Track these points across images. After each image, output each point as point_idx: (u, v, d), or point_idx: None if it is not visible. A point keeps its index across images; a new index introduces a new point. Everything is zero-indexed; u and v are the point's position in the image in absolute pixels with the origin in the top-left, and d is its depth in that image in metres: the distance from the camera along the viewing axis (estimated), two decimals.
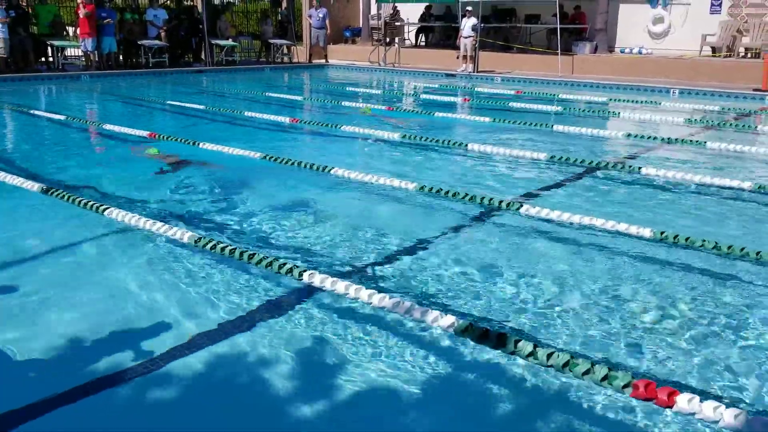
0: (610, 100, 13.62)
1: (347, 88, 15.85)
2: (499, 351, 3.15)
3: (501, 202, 5.58)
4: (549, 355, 3.02)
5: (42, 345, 3.25)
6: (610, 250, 4.70)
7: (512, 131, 9.69)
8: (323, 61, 21.20)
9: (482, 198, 5.66)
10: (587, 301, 3.86)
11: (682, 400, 2.69)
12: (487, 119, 10.52)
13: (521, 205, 5.43)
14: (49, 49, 17.21)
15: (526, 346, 3.09)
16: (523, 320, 3.61)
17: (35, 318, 3.55)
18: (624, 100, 13.58)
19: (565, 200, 6.00)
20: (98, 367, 3.05)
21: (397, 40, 21.00)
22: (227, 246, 4.23)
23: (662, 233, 4.70)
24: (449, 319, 3.32)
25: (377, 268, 4.31)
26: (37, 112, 11.08)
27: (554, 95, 14.27)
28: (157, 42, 17.83)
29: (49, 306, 3.69)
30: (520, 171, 7.29)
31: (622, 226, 4.84)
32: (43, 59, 17.33)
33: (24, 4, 18.42)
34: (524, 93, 14.63)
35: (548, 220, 5.18)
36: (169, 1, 20.63)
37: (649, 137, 9.04)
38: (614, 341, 3.39)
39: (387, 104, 12.98)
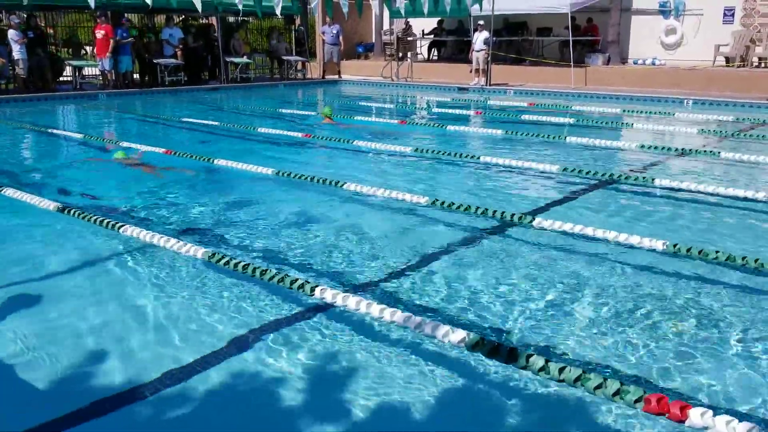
0: (624, 111, 13.59)
1: (360, 103, 15.94)
2: (511, 366, 3.14)
3: (513, 215, 5.58)
4: (561, 370, 3.01)
5: (58, 361, 3.29)
6: (623, 262, 4.68)
7: (525, 143, 9.70)
8: (336, 76, 21.35)
9: (494, 211, 5.67)
10: (599, 315, 3.84)
11: (695, 415, 2.67)
12: (499, 132, 10.53)
13: (534, 218, 5.42)
14: (67, 68, 17.52)
15: (537, 361, 3.08)
16: (535, 334, 3.61)
17: (51, 334, 3.59)
18: (637, 112, 13.54)
19: (577, 213, 5.99)
20: (112, 383, 3.09)
21: (409, 54, 21.12)
22: (240, 262, 4.27)
23: (675, 246, 4.68)
24: (460, 334, 3.32)
25: (388, 282, 4.33)
26: (54, 131, 11.25)
27: (567, 107, 14.26)
28: (172, 60, 18.06)
29: (65, 322, 3.73)
30: (533, 183, 7.29)
31: (635, 239, 4.82)
32: (60, 78, 17.63)
33: (42, 24, 18.78)
34: (537, 105, 14.64)
35: (561, 233, 5.17)
36: (180, 20, 20.91)
37: (662, 148, 9.00)
38: (626, 355, 3.37)
39: (400, 118, 13.04)
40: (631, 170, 7.83)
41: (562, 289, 4.22)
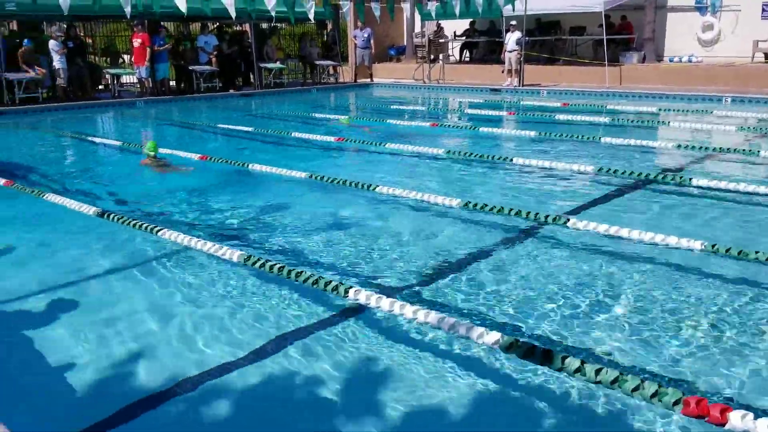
0: (660, 110, 13.36)
1: (392, 106, 15.98)
2: (546, 367, 3.12)
3: (548, 216, 5.53)
4: (597, 371, 2.98)
5: (96, 362, 3.38)
6: (660, 263, 4.61)
7: (559, 144, 9.61)
8: (368, 80, 21.43)
9: (528, 212, 5.63)
10: (636, 316, 3.80)
11: (735, 417, 2.61)
12: (533, 133, 10.45)
13: (568, 219, 5.37)
14: (106, 77, 17.93)
15: (573, 363, 3.05)
16: (571, 336, 3.58)
17: (92, 336, 3.69)
18: (674, 110, 13.32)
19: (613, 213, 5.92)
20: (150, 384, 3.16)
21: (441, 56, 21.09)
22: (275, 264, 4.32)
23: (714, 246, 4.59)
24: (494, 336, 3.30)
25: (422, 284, 4.34)
26: (94, 139, 11.52)
27: (602, 106, 14.08)
28: (207, 67, 18.34)
29: (105, 325, 3.83)
30: (568, 184, 7.22)
31: (672, 239, 4.74)
32: (99, 87, 18.04)
33: (81, 34, 19.24)
34: (571, 105, 14.49)
35: (596, 234, 5.11)
36: (215, 27, 21.21)
37: (700, 147, 8.83)
38: (664, 356, 3.33)
39: (431, 120, 13.03)
40: (668, 170, 7.71)
41: (598, 290, 4.18)
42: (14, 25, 19.50)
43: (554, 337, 3.56)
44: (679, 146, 8.84)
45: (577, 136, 9.88)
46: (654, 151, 9.08)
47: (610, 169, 7.32)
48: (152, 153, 8.44)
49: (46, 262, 4.94)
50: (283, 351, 3.46)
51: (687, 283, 4.27)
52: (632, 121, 11.81)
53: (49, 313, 4.00)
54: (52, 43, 15.97)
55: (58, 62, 15.88)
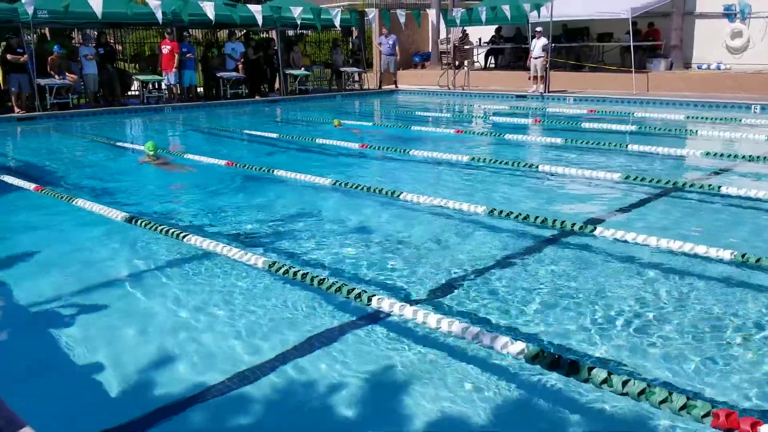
0: (687, 117, 13.19)
1: (416, 113, 15.98)
2: (572, 378, 3.09)
3: (574, 224, 5.48)
4: (624, 383, 2.94)
5: (120, 367, 3.42)
6: (688, 273, 4.54)
7: (585, 151, 9.53)
8: (393, 86, 21.47)
9: (554, 220, 5.58)
10: (663, 327, 3.74)
11: (766, 431, 2.57)
12: (558, 140, 10.38)
13: (595, 228, 5.32)
14: (135, 82, 18.21)
15: (599, 374, 3.02)
16: (597, 346, 3.54)
17: (117, 339, 3.73)
18: (702, 118, 13.13)
19: (640, 222, 5.85)
20: (173, 389, 3.19)
21: (466, 63, 21.06)
22: (298, 271, 4.34)
23: (743, 255, 4.51)
24: (519, 346, 3.28)
25: (445, 292, 4.32)
26: (122, 144, 11.69)
27: (629, 114, 13.94)
28: (234, 74, 18.52)
29: (131, 329, 3.87)
30: (594, 192, 7.15)
31: (701, 249, 4.67)
32: (128, 93, 18.33)
33: (112, 41, 19.57)
34: (597, 112, 14.37)
35: (623, 243, 5.05)
36: (242, 34, 21.43)
37: (728, 156, 8.69)
38: (692, 368, 3.27)
39: (456, 127, 13.01)
40: (696, 178, 7.60)
41: (625, 300, 4.13)
42: (46, 32, 19.87)
43: (580, 348, 3.52)
44: (707, 154, 8.71)
45: (604, 144, 9.79)
46: (681, 159, 8.96)
47: (637, 177, 7.24)
48: (151, 152, 9.05)
49: (73, 267, 5.01)
50: (305, 358, 3.46)
51: (715, 293, 4.19)
52: (659, 129, 11.67)
53: (75, 316, 4.06)
54: (83, 50, 16.26)
55: (88, 68, 16.17)
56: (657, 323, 3.79)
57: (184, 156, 9.90)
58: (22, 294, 4.49)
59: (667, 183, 7.00)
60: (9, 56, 14.71)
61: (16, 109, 15.03)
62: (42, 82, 15.24)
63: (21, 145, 12.96)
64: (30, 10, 13.73)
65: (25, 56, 14.77)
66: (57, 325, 3.94)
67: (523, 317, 3.92)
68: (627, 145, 9.60)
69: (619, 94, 16.97)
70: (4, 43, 15.35)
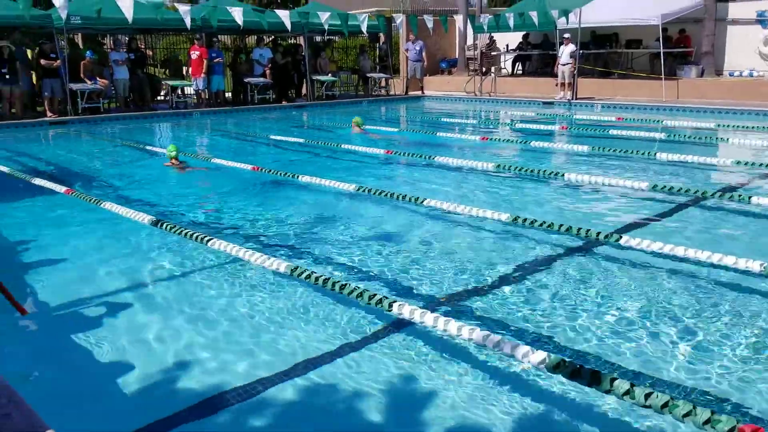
0: (718, 125, 12.97)
1: (442, 119, 15.96)
2: (594, 389, 3.05)
3: (599, 233, 5.41)
4: (647, 395, 2.89)
5: (142, 369, 3.45)
6: (716, 284, 4.46)
7: (612, 159, 9.43)
8: (419, 92, 21.47)
9: (579, 229, 5.52)
10: (689, 339, 3.67)
11: None
12: (585, 147, 10.28)
13: (621, 237, 5.25)
14: (165, 88, 18.48)
15: (622, 385, 2.97)
16: (620, 357, 3.48)
17: (138, 341, 3.78)
18: (733, 126, 12.90)
19: (667, 231, 5.76)
20: (193, 391, 3.21)
21: (493, 69, 20.99)
22: (320, 276, 4.35)
23: None
24: (540, 355, 3.24)
25: (467, 300, 4.30)
26: (151, 148, 11.86)
27: (658, 122, 13.76)
28: (262, 79, 18.69)
29: (153, 331, 3.91)
30: (620, 201, 7.07)
31: (729, 259, 4.58)
32: (158, 97, 18.61)
33: (143, 46, 19.89)
34: (625, 120, 14.20)
35: (650, 253, 4.97)
36: (270, 40, 21.63)
37: (760, 164, 8.52)
38: (718, 382, 3.21)
39: (482, 134, 12.96)
40: (726, 188, 7.46)
41: (650, 310, 4.06)
42: (79, 38, 20.28)
43: (603, 358, 3.47)
44: (737, 163, 8.55)
45: (632, 152, 9.67)
46: (711, 168, 8.80)
47: (665, 186, 7.13)
48: (173, 154, 9.33)
49: (99, 268, 5.08)
50: (325, 363, 3.47)
51: (744, 305, 4.11)
52: (689, 137, 11.50)
53: (99, 317, 4.12)
54: (114, 55, 16.55)
55: (119, 73, 16.44)
56: (682, 335, 3.73)
57: (211, 160, 10.01)
58: (48, 293, 4.57)
59: (696, 192, 6.88)
60: (43, 61, 15.03)
61: (49, 113, 15.35)
62: (74, 86, 15.53)
63: (52, 148, 13.22)
64: (63, 16, 14.01)
65: (58, 61, 15.07)
66: (82, 325, 4.00)
67: (546, 326, 3.88)
68: (655, 154, 9.47)
69: (649, 101, 16.76)
70: (36, 48, 15.69)
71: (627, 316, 3.99)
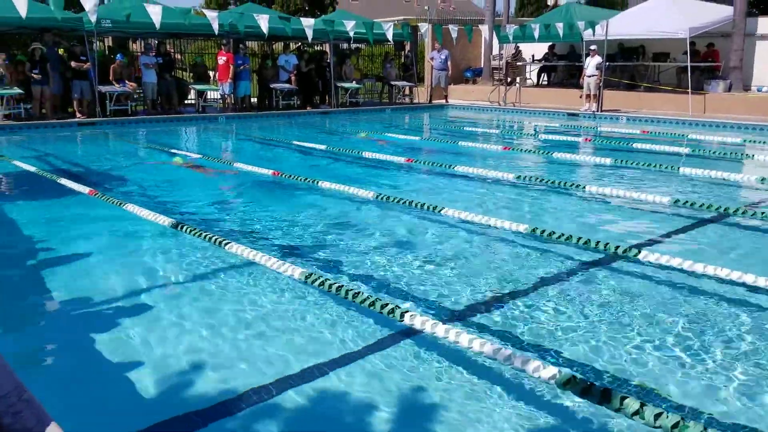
0: (745, 141, 12.79)
1: (465, 128, 15.93)
2: (603, 407, 3.01)
3: (618, 247, 5.36)
4: (657, 416, 2.86)
5: (155, 370, 3.49)
6: (735, 302, 4.39)
7: (635, 172, 9.34)
8: (443, 101, 21.47)
9: (598, 242, 5.47)
10: (704, 358, 3.62)
11: None
12: (608, 160, 10.20)
13: (640, 251, 5.19)
14: (192, 92, 18.72)
15: (632, 404, 2.93)
16: (632, 375, 3.44)
17: (153, 343, 3.82)
18: (760, 142, 12.70)
19: (688, 248, 5.69)
20: (204, 395, 3.24)
21: (518, 79, 20.93)
22: (334, 283, 4.36)
23: None
24: (551, 370, 3.22)
25: (480, 312, 4.28)
26: (175, 151, 11.98)
27: (683, 136, 13.60)
28: (287, 85, 18.84)
29: (168, 333, 3.96)
30: (641, 215, 6.99)
31: (749, 278, 4.51)
32: (185, 101, 18.84)
33: (171, 50, 20.16)
34: (650, 133, 14.07)
35: (669, 268, 4.92)
36: (297, 47, 21.80)
37: None
38: (731, 403, 3.15)
39: (504, 144, 12.91)
40: (750, 204, 7.34)
41: (667, 328, 4.01)
42: (109, 41, 20.63)
43: (615, 376, 3.44)
44: (763, 180, 8.42)
45: (655, 166, 9.57)
46: (736, 184, 8.67)
47: (687, 201, 7.05)
48: (179, 160, 10.05)
49: (119, 269, 5.16)
50: (335, 371, 3.47)
51: (764, 325, 4.03)
52: (714, 153, 11.35)
53: (117, 318, 4.17)
54: (143, 59, 16.80)
55: (147, 77, 16.68)
56: (698, 354, 3.67)
57: (233, 164, 10.11)
58: (69, 293, 4.64)
59: (719, 209, 6.79)
60: (73, 63, 15.31)
61: (78, 114, 15.62)
62: (103, 89, 15.79)
63: (80, 149, 13.45)
64: (93, 20, 14.27)
65: (88, 64, 15.34)
66: (98, 323, 4.06)
67: (558, 341, 3.85)
68: (679, 168, 9.36)
69: (675, 115, 16.58)
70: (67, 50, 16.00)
71: (642, 333, 3.94)
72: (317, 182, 8.21)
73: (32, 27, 15.57)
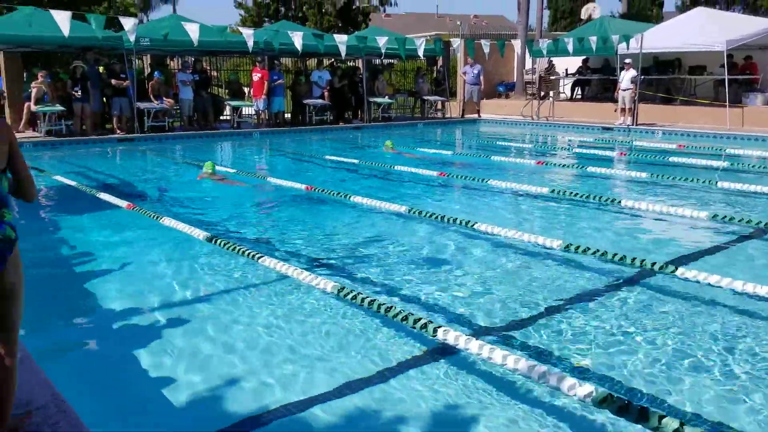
0: None
1: (497, 142, 15.88)
2: (641, 426, 2.96)
3: (654, 263, 5.27)
4: None
5: (187, 382, 3.53)
6: None
7: (671, 187, 9.19)
8: (476, 115, 21.44)
9: (633, 258, 5.39)
10: (744, 378, 3.53)
11: None
12: (644, 174, 10.06)
13: (676, 268, 5.10)
14: (227, 108, 19.03)
15: (671, 423, 2.88)
16: (670, 395, 3.37)
17: (188, 355, 3.87)
18: None
19: (726, 264, 5.57)
20: (238, 409, 3.27)
21: (551, 93, 20.80)
22: (366, 297, 4.38)
23: None
24: (587, 388, 3.17)
25: (514, 328, 4.24)
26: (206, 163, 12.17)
27: (721, 150, 13.35)
28: (320, 101, 19.03)
29: (202, 346, 4.01)
30: (678, 231, 6.88)
31: None
32: (221, 117, 19.15)
33: (207, 68, 20.53)
34: (687, 147, 13.84)
35: (706, 285, 4.81)
36: (330, 63, 22.01)
37: None
38: None
39: (537, 158, 12.83)
40: None
41: (705, 346, 3.93)
42: (148, 59, 21.09)
43: (652, 394, 3.37)
44: None
45: (692, 180, 9.41)
46: None
47: (725, 217, 6.91)
48: (210, 171, 10.08)
49: (155, 282, 5.25)
50: (367, 386, 3.47)
51: None
52: (753, 167, 11.11)
53: (151, 330, 4.24)
54: (180, 76, 17.14)
55: (184, 93, 17.00)
56: (737, 373, 3.59)
57: (267, 178, 10.22)
58: (106, 303, 4.74)
59: (758, 224, 6.64)
60: (114, 81, 15.69)
61: (117, 131, 15.98)
62: (141, 105, 16.14)
63: (118, 164, 13.74)
64: (132, 39, 14.62)
65: (128, 81, 15.71)
66: (134, 335, 4.14)
67: (594, 358, 3.80)
68: (717, 183, 9.18)
69: (712, 128, 16.28)
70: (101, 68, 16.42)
71: (680, 351, 3.87)
72: (349, 196, 8.25)
73: (74, 46, 16.01)
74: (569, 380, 3.24)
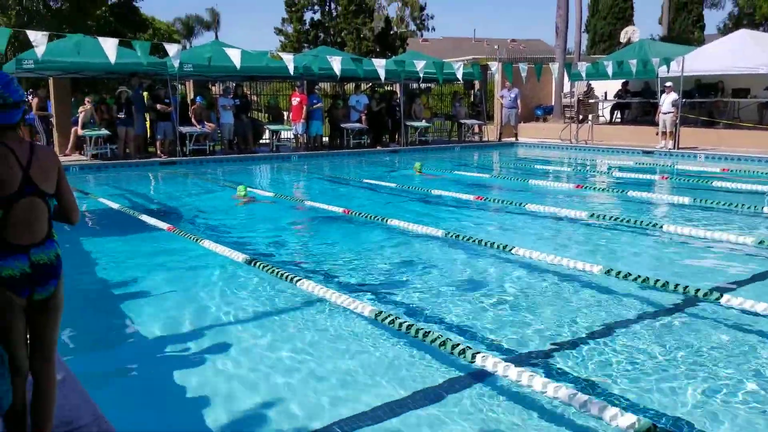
0: None
1: (535, 166, 15.77)
2: None
3: (698, 290, 5.14)
4: None
5: (224, 405, 3.56)
6: None
7: (715, 212, 8.98)
8: (513, 139, 21.36)
9: (677, 285, 5.26)
10: None
11: None
12: (686, 199, 9.86)
13: (721, 295, 4.96)
14: (267, 132, 19.34)
15: None
16: (715, 427, 3.27)
17: (222, 378, 3.90)
18: None
19: None
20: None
21: (590, 117, 20.61)
22: (404, 322, 4.36)
23: None
24: (630, 418, 3.09)
25: (553, 354, 4.18)
26: (250, 189, 12.34)
27: (766, 174, 13.01)
28: (357, 125, 19.21)
29: (237, 368, 4.04)
30: (722, 256, 6.70)
31: None
32: (260, 141, 19.46)
33: (248, 92, 20.93)
34: (731, 171, 13.54)
35: (753, 314, 4.67)
36: (368, 87, 22.24)
37: None
38: None
39: (576, 182, 12.69)
40: None
41: (750, 376, 3.81)
42: (191, 84, 21.60)
43: (696, 426, 3.27)
44: None
45: (737, 205, 9.18)
46: None
47: None
48: (242, 194, 10.52)
49: (195, 303, 5.32)
50: (405, 411, 3.45)
51: None
52: None
53: (191, 350, 4.29)
54: (221, 101, 17.51)
55: (225, 118, 17.35)
56: None
57: (304, 201, 10.32)
58: (147, 323, 4.82)
59: None
60: (159, 106, 16.10)
61: (160, 154, 16.35)
62: (184, 130, 16.51)
63: (160, 187, 14.04)
64: (176, 65, 15.00)
65: (171, 107, 16.11)
66: (173, 357, 4.19)
67: (636, 387, 3.70)
68: (764, 208, 8.95)
69: (757, 152, 15.91)
70: (145, 93, 16.85)
71: (724, 382, 3.75)
72: (387, 220, 8.27)
73: (120, 72, 16.49)
74: (611, 410, 3.16)
